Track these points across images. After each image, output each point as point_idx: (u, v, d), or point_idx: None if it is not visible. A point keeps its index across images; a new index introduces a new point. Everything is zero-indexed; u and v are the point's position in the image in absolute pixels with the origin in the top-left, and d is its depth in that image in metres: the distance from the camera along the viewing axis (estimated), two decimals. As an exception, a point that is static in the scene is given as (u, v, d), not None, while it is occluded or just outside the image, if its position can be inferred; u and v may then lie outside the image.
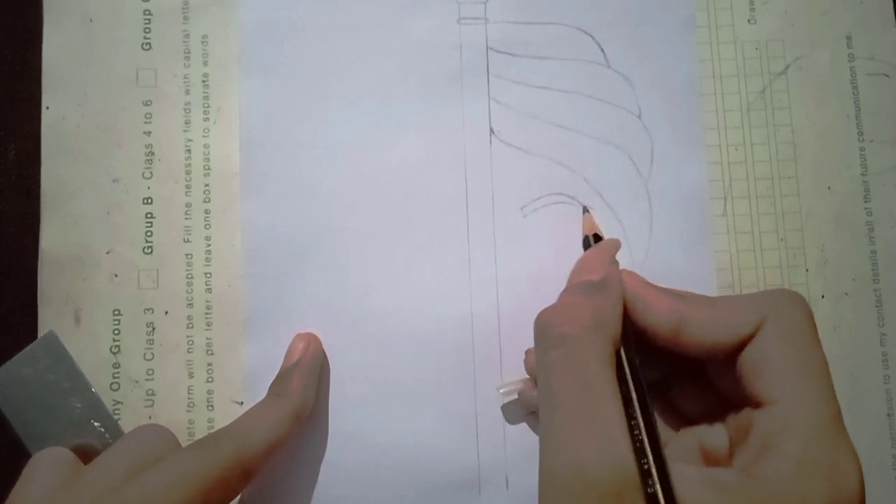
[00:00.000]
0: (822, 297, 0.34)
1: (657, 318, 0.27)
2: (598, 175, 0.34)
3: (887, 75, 0.35)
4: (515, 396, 0.32)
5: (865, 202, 0.35)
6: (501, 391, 0.32)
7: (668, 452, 0.28)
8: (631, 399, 0.25)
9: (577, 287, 0.28)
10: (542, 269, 0.34)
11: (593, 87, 0.35)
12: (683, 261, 0.34)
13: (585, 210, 0.33)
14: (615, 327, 0.26)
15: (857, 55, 0.35)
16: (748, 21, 0.35)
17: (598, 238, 0.32)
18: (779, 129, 0.35)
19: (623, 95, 0.35)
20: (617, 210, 0.34)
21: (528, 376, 0.32)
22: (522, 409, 0.33)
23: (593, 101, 0.35)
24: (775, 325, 0.26)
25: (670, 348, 0.27)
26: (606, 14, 0.35)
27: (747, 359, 0.26)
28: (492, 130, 0.34)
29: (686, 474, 0.24)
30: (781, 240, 0.34)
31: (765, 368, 0.25)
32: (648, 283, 0.28)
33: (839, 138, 0.35)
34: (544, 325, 0.27)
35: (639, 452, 0.24)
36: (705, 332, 0.26)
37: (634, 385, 0.26)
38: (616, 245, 0.31)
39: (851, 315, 0.34)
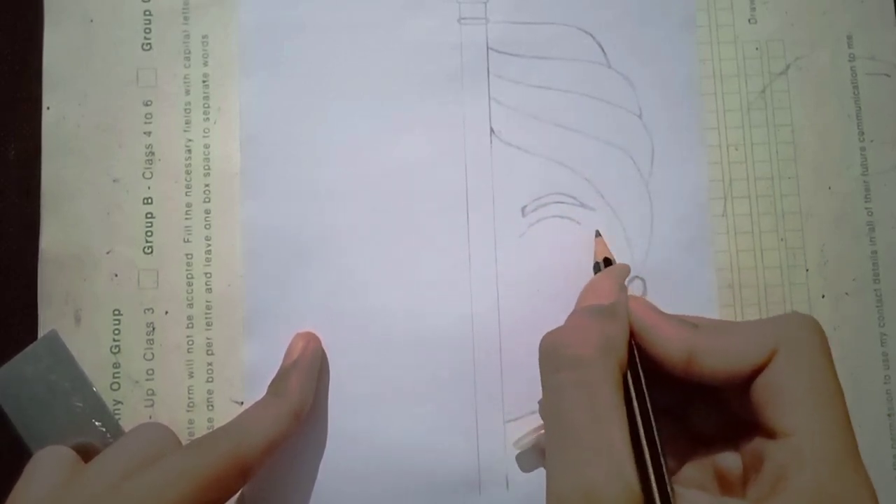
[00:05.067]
0: (823, 296, 0.34)
1: (668, 348, 0.26)
2: (599, 175, 0.34)
3: (888, 75, 0.35)
4: (532, 445, 0.32)
5: (866, 202, 0.35)
6: (517, 446, 0.32)
7: (684, 476, 0.28)
8: (637, 424, 0.25)
9: (587, 311, 0.28)
10: (542, 268, 0.33)
11: (594, 87, 0.35)
12: (683, 261, 0.34)
13: (598, 234, 0.33)
14: (623, 352, 0.26)
15: (858, 55, 0.35)
16: (748, 21, 0.35)
17: (608, 262, 0.32)
18: (779, 129, 0.35)
19: (623, 95, 0.35)
20: (617, 210, 0.34)
21: (540, 422, 0.32)
22: (536, 454, 0.32)
23: (594, 101, 0.35)
24: (788, 353, 0.25)
25: (683, 377, 0.27)
26: (607, 14, 0.35)
27: (760, 388, 0.25)
28: (492, 130, 0.34)
29: (697, 502, 0.23)
30: (781, 240, 0.34)
31: (778, 399, 0.24)
32: (658, 312, 0.28)
33: (839, 138, 0.35)
34: (553, 347, 0.26)
35: (645, 479, 0.23)
36: (717, 362, 0.26)
37: (640, 410, 0.26)
38: (626, 270, 0.30)
39: (852, 315, 0.34)
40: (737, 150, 0.35)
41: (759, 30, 0.35)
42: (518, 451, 0.32)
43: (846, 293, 0.34)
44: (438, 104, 0.34)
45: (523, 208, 0.34)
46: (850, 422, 0.24)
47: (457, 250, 0.34)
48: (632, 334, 0.27)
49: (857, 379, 0.33)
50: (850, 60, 0.35)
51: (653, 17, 0.35)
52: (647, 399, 0.26)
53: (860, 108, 0.35)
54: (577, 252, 0.33)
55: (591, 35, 0.35)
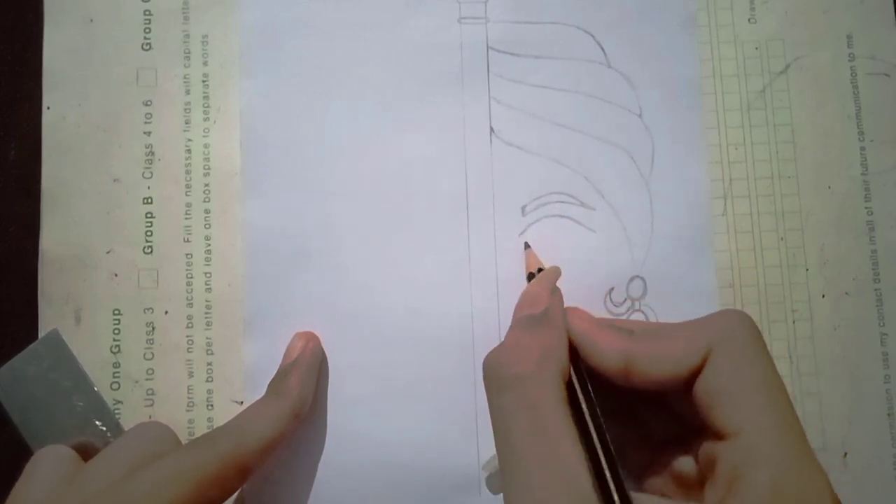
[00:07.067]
0: (823, 296, 0.34)
1: (604, 359, 0.26)
2: (599, 175, 0.34)
3: (888, 75, 0.35)
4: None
5: (866, 202, 0.35)
6: (486, 469, 0.32)
7: (644, 482, 0.28)
8: (588, 433, 0.25)
9: (521, 323, 0.28)
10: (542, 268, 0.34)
11: (594, 87, 0.35)
12: (683, 261, 0.34)
13: (527, 246, 0.33)
14: (563, 360, 0.26)
15: (858, 55, 0.35)
16: (748, 20, 0.35)
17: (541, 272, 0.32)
18: (779, 129, 0.35)
19: (624, 95, 0.35)
20: (617, 210, 0.34)
21: None
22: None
23: (594, 100, 0.35)
24: (722, 353, 0.25)
25: (626, 386, 0.27)
26: (607, 14, 0.35)
27: (701, 390, 0.25)
28: (492, 130, 0.34)
29: None
30: (781, 239, 0.34)
31: (720, 399, 0.24)
32: (595, 322, 0.28)
33: (839, 138, 0.35)
34: (493, 368, 0.26)
35: (601, 489, 0.23)
36: (653, 369, 0.26)
37: (591, 416, 0.25)
38: (556, 274, 0.30)
39: (852, 315, 0.34)
40: (737, 149, 0.35)
41: (759, 29, 0.35)
42: (487, 475, 0.32)
43: (846, 293, 0.34)
44: (438, 104, 0.34)
45: (523, 208, 0.34)
46: (794, 412, 0.24)
47: (457, 250, 0.34)
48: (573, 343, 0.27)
49: (857, 379, 0.33)
50: (850, 60, 0.35)
51: (653, 16, 0.35)
52: (596, 405, 0.26)
53: (860, 107, 0.35)
54: (577, 251, 0.33)
55: (591, 35, 0.35)
